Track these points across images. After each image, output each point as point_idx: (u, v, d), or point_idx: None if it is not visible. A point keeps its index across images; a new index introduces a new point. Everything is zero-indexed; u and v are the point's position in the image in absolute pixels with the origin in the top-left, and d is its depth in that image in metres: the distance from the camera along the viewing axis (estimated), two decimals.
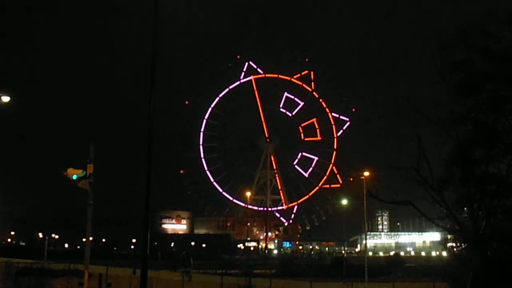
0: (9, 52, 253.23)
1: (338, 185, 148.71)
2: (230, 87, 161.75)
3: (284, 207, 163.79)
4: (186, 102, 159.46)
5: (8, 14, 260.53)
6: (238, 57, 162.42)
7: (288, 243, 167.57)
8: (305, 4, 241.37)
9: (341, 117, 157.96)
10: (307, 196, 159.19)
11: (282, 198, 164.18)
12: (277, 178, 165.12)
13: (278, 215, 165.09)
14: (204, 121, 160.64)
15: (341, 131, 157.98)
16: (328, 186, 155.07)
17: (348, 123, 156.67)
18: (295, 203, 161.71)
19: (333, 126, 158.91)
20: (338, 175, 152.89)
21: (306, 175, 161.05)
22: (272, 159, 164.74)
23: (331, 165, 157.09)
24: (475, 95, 23.99)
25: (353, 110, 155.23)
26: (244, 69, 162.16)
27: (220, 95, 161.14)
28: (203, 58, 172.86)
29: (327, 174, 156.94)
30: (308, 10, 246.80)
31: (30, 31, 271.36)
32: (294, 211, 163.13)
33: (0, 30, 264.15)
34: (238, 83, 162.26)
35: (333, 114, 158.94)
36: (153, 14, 17.16)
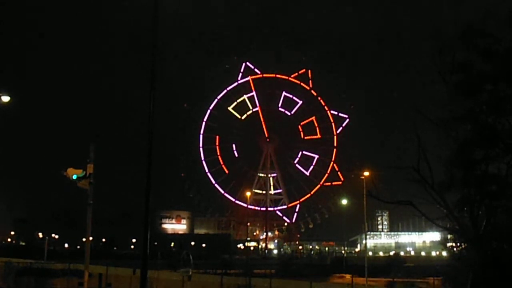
0: (9, 52, 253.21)
1: (340, 183, 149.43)
2: (228, 88, 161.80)
3: (286, 206, 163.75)
4: (185, 105, 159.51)
5: (8, 14, 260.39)
6: (236, 58, 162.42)
7: (285, 245, 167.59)
8: (302, 2, 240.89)
9: (340, 114, 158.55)
10: (309, 195, 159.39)
11: (284, 196, 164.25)
12: (278, 177, 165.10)
13: (280, 214, 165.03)
14: (203, 123, 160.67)
15: (341, 128, 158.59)
16: (329, 183, 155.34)
17: (348, 120, 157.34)
18: (297, 202, 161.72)
19: (333, 123, 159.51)
20: (339, 173, 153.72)
21: (307, 173, 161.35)
22: (273, 158, 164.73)
23: (331, 162, 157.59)
24: (475, 95, 24.00)
25: (352, 107, 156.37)
26: (242, 70, 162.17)
27: (218, 97, 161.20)
28: (200, 59, 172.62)
29: (328, 172, 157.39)
30: (305, 8, 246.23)
31: (30, 31, 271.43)
32: (297, 210, 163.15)
33: (0, 30, 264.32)
34: (236, 84, 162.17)
35: (332, 111, 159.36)
36: (153, 14, 17.17)
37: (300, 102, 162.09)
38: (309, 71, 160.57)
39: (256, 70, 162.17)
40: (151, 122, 16.87)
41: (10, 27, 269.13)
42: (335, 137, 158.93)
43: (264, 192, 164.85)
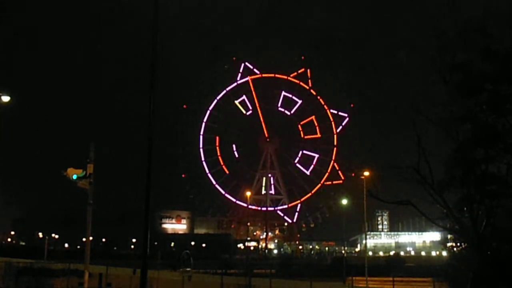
0: (9, 52, 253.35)
1: (340, 182, 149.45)
2: (227, 88, 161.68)
3: (287, 206, 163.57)
4: (184, 106, 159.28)
5: (8, 13, 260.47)
6: (234, 58, 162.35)
7: (285, 245, 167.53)
8: (301, 1, 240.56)
9: (340, 113, 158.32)
10: (310, 194, 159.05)
11: (284, 196, 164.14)
12: (278, 177, 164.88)
13: (281, 214, 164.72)
14: (203, 124, 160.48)
15: (340, 127, 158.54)
16: (330, 182, 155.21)
17: (347, 119, 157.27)
18: (298, 201, 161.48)
19: (332, 122, 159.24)
20: (339, 172, 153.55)
21: (308, 173, 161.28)
22: (273, 158, 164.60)
23: (332, 162, 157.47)
24: (475, 95, 23.99)
25: (351, 105, 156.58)
26: (241, 70, 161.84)
27: (218, 98, 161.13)
28: (199, 60, 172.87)
29: (328, 171, 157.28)
30: (305, 7, 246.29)
31: (30, 31, 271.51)
32: (298, 209, 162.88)
33: (0, 29, 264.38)
34: (235, 84, 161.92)
35: (331, 110, 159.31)
36: (153, 15, 17.14)
37: (300, 101, 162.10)
38: (308, 70, 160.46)
39: (255, 70, 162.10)
40: (151, 122, 16.83)
41: (10, 27, 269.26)
42: (335, 136, 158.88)
43: (264, 192, 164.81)
